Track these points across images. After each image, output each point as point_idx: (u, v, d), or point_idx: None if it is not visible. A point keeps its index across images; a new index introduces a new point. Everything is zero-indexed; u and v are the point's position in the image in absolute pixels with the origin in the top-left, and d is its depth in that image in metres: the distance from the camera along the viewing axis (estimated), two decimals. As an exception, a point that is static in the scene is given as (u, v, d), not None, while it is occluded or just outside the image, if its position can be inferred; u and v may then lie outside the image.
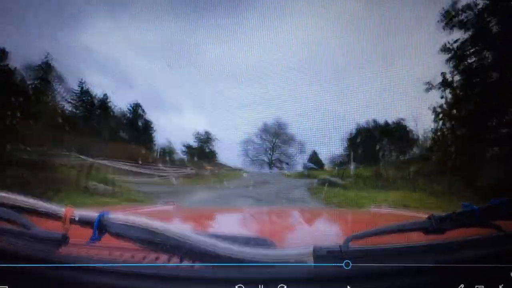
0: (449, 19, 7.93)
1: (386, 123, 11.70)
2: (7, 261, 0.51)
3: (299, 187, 9.43)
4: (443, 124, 8.35)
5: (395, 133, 11.26)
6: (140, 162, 10.14)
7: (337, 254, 0.51)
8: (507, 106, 7.15)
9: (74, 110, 11.00)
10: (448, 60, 8.21)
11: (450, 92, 8.34)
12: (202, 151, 13.26)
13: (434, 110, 8.35)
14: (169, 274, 0.51)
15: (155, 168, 10.48)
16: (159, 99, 15.02)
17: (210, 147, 13.48)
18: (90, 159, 7.24)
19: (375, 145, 11.47)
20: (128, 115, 13.28)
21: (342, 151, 11.72)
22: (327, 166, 12.26)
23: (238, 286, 0.48)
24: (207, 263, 0.52)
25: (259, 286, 0.49)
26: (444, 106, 8.32)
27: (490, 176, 6.11)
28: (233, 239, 0.53)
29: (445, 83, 8.36)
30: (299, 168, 12.71)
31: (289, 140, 13.05)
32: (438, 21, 7.96)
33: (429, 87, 8.47)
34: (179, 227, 0.53)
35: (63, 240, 0.55)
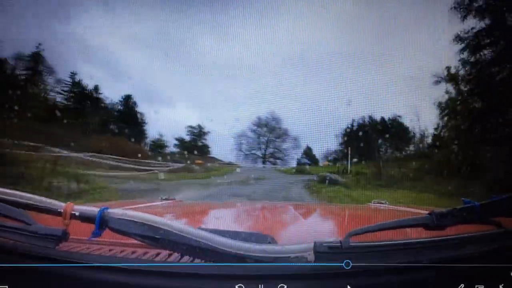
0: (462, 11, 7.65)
1: (383, 119, 11.59)
2: (7, 260, 0.52)
3: (295, 183, 9.03)
4: (448, 121, 8.20)
5: (391, 130, 11.21)
6: (125, 157, 9.57)
7: (338, 250, 0.52)
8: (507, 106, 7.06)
9: (52, 100, 10.30)
10: (451, 57, 8.05)
11: (454, 88, 8.26)
12: (193, 145, 12.77)
13: (439, 106, 8.23)
14: (170, 272, 0.52)
15: (139, 162, 9.82)
16: (151, 92, 14.53)
17: (203, 141, 12.99)
18: (65, 153, 6.57)
19: (370, 141, 11.34)
20: (119, 107, 12.67)
21: (338, 147, 11.60)
22: (321, 162, 12.01)
23: (238, 286, 0.49)
24: (207, 260, 0.52)
25: (260, 285, 0.49)
26: (449, 102, 8.20)
27: (495, 173, 6.06)
28: (234, 235, 0.54)
29: (451, 79, 8.17)
30: (293, 163, 12.40)
31: (283, 134, 12.63)
32: (442, 18, 7.77)
33: (430, 84, 8.30)
34: (179, 223, 0.54)
35: (64, 236, 0.55)
